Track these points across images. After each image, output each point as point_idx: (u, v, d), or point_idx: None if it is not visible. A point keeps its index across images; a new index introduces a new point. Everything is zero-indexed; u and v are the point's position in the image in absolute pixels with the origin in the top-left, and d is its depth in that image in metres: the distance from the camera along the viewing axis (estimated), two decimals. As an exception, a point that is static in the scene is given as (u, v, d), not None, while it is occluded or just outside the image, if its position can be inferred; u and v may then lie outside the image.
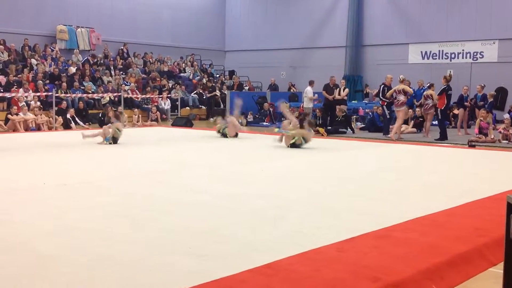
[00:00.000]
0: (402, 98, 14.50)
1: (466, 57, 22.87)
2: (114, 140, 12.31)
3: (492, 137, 14.04)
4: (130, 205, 5.87)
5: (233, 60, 29.62)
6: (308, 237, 4.59)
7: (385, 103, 15.20)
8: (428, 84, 15.52)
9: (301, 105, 19.06)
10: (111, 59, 24.07)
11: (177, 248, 4.23)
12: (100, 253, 4.11)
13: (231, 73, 27.77)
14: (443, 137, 14.28)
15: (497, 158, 10.98)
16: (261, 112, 20.69)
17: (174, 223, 5.06)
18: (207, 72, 27.14)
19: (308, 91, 17.75)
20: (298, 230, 4.83)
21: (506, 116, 15.87)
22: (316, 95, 18.41)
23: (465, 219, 5.30)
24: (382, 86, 15.19)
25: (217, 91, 23.85)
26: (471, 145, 12.97)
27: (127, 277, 3.59)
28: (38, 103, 17.53)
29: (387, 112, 15.38)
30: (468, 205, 6.00)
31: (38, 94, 17.87)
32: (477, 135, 14.13)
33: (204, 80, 25.26)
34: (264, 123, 19.30)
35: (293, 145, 11.62)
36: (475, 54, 22.63)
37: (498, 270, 4.04)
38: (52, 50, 22.55)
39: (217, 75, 27.58)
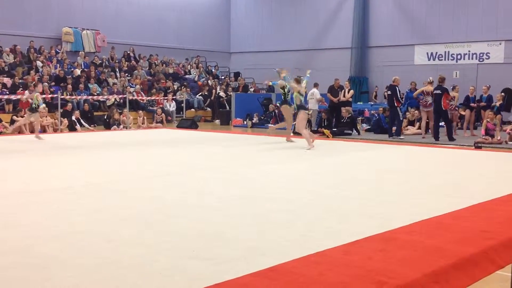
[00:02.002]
0: (430, 99, 15.08)
1: (472, 58, 22.80)
2: (32, 109, 13.63)
3: (499, 138, 13.98)
4: (136, 207, 5.85)
5: (238, 61, 29.64)
6: (314, 240, 4.56)
7: (400, 104, 15.36)
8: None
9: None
10: (117, 61, 24.13)
11: (182, 252, 4.21)
12: (105, 256, 4.09)
13: (236, 74, 27.79)
14: (434, 137, 14.73)
15: (503, 159, 10.91)
16: (267, 113, 20.68)
17: (180, 226, 5.05)
18: (212, 74, 27.17)
19: (316, 92, 17.76)
20: (304, 233, 4.80)
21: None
22: (321, 97, 18.41)
23: (471, 222, 5.25)
24: (397, 88, 15.17)
25: (220, 91, 23.82)
26: (477, 146, 12.91)
27: (132, 281, 3.58)
28: (44, 105, 17.57)
29: (400, 113, 15.53)
30: (475, 207, 5.95)
31: (43, 96, 17.91)
32: (483, 136, 14.07)
33: (210, 82, 25.28)
34: (270, 125, 19.27)
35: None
36: (481, 55, 22.56)
37: (505, 273, 4.01)
38: (58, 52, 22.62)
39: (222, 77, 27.60)
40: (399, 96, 15.05)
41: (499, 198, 6.48)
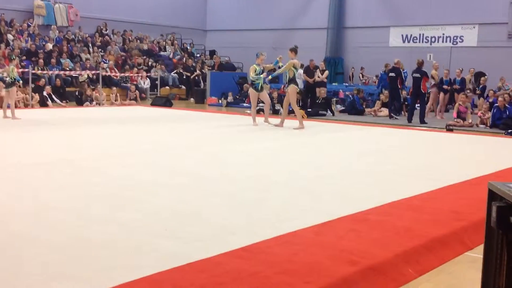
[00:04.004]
0: (433, 81, 16.17)
1: (446, 41, 22.97)
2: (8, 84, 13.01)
3: (470, 121, 14.17)
4: (107, 185, 5.78)
5: (214, 39, 29.38)
6: (286, 220, 4.57)
7: (402, 86, 16.05)
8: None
9: (282, 87, 19.01)
10: (88, 36, 23.65)
11: (154, 230, 4.18)
12: (76, 234, 4.04)
13: (212, 52, 27.53)
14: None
15: (474, 142, 11.09)
16: (242, 93, 20.59)
17: (152, 204, 5.00)
18: (188, 52, 26.88)
19: (301, 73, 17.71)
20: (277, 213, 4.81)
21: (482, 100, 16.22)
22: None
23: (442, 203, 5.33)
24: (404, 71, 16.05)
25: (197, 71, 23.63)
26: (449, 129, 13.06)
27: (103, 259, 3.54)
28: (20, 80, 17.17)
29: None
30: (446, 189, 6.04)
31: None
32: (455, 119, 14.24)
33: (185, 59, 25.00)
34: (245, 104, 19.20)
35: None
36: (455, 38, 22.73)
37: (474, 254, 4.07)
38: (29, 26, 22.11)
39: (198, 55, 27.32)
40: (403, 78, 15.78)
41: (470, 180, 6.58)
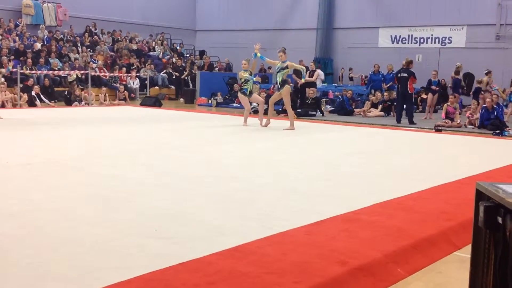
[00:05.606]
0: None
1: (435, 42, 23.12)
2: None
3: (458, 121, 14.27)
4: (97, 186, 5.76)
5: (203, 40, 29.35)
6: (277, 220, 4.57)
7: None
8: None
9: (272, 87, 19.03)
10: (76, 35, 23.54)
11: (144, 231, 4.17)
12: (64, 235, 4.02)
13: (202, 53, 27.51)
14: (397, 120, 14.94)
15: (462, 142, 11.16)
16: (231, 93, 20.58)
17: (142, 205, 4.99)
18: (177, 52, 26.84)
19: (321, 73, 17.81)
20: (267, 213, 4.82)
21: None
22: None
23: (431, 203, 5.36)
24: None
25: (187, 71, 23.58)
26: (438, 129, 13.15)
27: (93, 260, 3.52)
28: (2, 80, 17.08)
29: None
30: (435, 189, 6.07)
31: (2, 70, 17.38)
32: (443, 120, 14.33)
33: (174, 59, 24.95)
34: (234, 105, 19.20)
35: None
36: (443, 39, 22.89)
37: (462, 254, 4.10)
38: (17, 25, 21.97)
39: (187, 55, 27.28)
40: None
41: (458, 180, 6.62)
